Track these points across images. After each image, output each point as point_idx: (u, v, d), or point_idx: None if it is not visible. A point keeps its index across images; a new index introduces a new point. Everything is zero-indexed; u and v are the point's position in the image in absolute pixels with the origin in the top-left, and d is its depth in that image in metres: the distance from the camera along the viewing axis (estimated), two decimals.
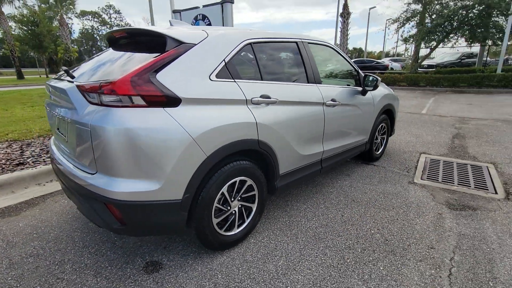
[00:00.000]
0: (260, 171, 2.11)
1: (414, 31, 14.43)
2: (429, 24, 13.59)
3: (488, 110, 7.72)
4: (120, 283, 1.77)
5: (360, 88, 3.17)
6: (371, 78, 3.13)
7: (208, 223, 1.85)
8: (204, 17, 10.10)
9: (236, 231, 2.08)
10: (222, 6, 9.82)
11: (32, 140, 4.43)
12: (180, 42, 1.73)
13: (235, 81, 1.91)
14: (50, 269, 1.89)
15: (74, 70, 1.94)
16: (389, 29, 15.00)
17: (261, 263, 1.94)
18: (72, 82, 1.77)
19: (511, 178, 3.32)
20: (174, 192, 1.61)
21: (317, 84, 2.60)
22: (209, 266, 1.91)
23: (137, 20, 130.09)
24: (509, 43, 13.23)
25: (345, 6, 17.24)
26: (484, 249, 2.07)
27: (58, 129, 2.00)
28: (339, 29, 17.13)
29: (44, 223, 2.44)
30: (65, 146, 1.88)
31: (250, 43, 2.09)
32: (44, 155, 3.71)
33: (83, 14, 60.82)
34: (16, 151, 3.87)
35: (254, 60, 2.12)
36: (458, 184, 3.22)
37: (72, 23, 58.76)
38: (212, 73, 1.80)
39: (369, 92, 3.25)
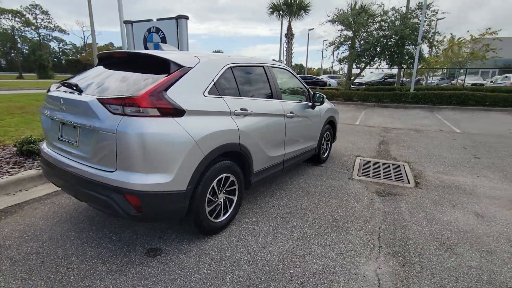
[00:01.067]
0: (239, 169, 2.61)
1: (346, 53, 16.66)
2: (358, 48, 15.89)
3: (405, 122, 9.47)
4: (129, 265, 2.07)
5: (310, 103, 3.93)
6: (318, 95, 3.92)
7: (203, 211, 2.28)
8: (158, 30, 10.26)
9: (222, 218, 2.54)
10: (177, 21, 10.17)
11: None
12: (180, 66, 2.18)
13: (221, 97, 2.42)
14: (56, 262, 2.09)
15: (73, 84, 2.19)
16: (326, 50, 17.06)
17: (244, 241, 2.43)
18: (80, 94, 2.08)
19: (419, 173, 4.41)
20: (181, 184, 2.03)
21: (279, 100, 3.25)
22: (203, 247, 2.33)
23: (68, 23, 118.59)
24: (419, 66, 16.17)
25: (289, 27, 19.11)
26: (400, 220, 2.90)
27: (61, 136, 2.23)
28: (284, 48, 18.89)
29: (31, 227, 2.54)
30: (73, 150, 2.13)
31: (230, 67, 2.63)
32: (6, 165, 3.60)
33: (1, 12, 53.49)
34: None
35: (233, 80, 2.66)
36: (384, 178, 4.17)
37: None
38: (205, 90, 2.28)
39: (316, 106, 4.04)
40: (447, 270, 2.14)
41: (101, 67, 2.59)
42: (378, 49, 15.35)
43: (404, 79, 19.55)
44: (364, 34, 15.11)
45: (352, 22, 15.18)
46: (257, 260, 2.19)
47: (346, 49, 16.65)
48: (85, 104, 1.97)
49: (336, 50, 16.19)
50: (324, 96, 3.97)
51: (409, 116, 10.94)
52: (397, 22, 14.56)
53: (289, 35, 19.00)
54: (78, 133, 2.10)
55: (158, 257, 2.19)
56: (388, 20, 14.78)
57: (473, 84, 18.78)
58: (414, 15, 14.43)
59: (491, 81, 20.93)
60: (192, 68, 2.24)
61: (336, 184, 3.86)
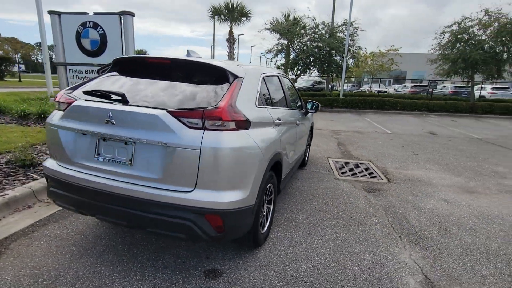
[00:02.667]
0: (276, 177, 2.65)
1: (283, 61, 17.80)
2: (294, 57, 17.19)
3: (344, 124, 10.70)
4: None
5: (303, 110, 4.18)
6: (312, 103, 4.20)
7: (258, 223, 2.24)
8: (96, 26, 9.18)
9: (265, 228, 2.53)
10: (121, 17, 9.29)
11: None
12: (236, 76, 2.11)
13: (266, 107, 2.43)
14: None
15: (119, 94, 1.90)
16: (265, 56, 17.87)
17: (291, 249, 2.48)
18: (126, 105, 1.83)
19: (384, 169, 5.14)
20: (252, 198, 1.97)
21: (291, 108, 3.39)
22: (258, 260, 2.29)
23: None
24: (347, 75, 18.40)
25: (230, 32, 19.30)
26: (398, 212, 3.38)
27: (98, 154, 1.89)
28: (226, 52, 19.07)
29: (42, 269, 2.04)
30: (124, 170, 1.83)
31: (263, 77, 2.64)
32: None
33: None
34: None
35: (267, 90, 2.68)
36: (361, 176, 4.72)
37: None
38: (255, 101, 2.26)
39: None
40: (456, 248, 2.64)
41: (123, 73, 2.27)
42: (311, 58, 16.89)
43: (329, 85, 21.99)
44: (300, 45, 16.40)
45: (288, 32, 16.30)
46: (315, 265, 2.29)
47: (283, 57, 17.76)
48: (154, 118, 1.73)
49: (275, 57, 17.11)
50: (319, 104, 4.28)
51: (345, 119, 12.39)
52: (327, 35, 16.31)
53: (231, 39, 19.20)
54: (132, 150, 1.82)
55: (221, 277, 2.07)
56: (319, 33, 16.42)
57: (379, 91, 22.42)
58: (340, 30, 16.42)
59: (394, 89, 25.43)
60: (243, 78, 2.19)
61: (328, 185, 4.20)
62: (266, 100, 2.55)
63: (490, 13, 14.80)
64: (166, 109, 1.77)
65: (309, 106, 4.21)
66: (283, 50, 17.42)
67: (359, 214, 3.25)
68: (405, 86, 24.22)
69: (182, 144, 1.70)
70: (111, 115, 1.83)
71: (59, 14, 9.39)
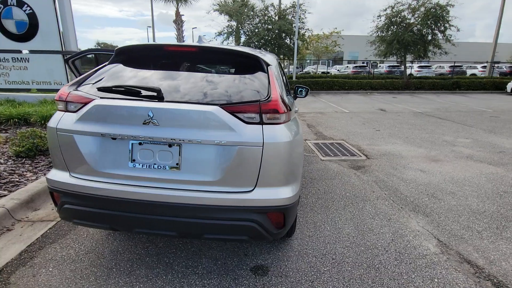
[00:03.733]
0: None
1: (234, 43, 17.40)
2: (246, 40, 16.94)
3: (305, 106, 11.10)
4: None
5: (293, 95, 4.19)
6: (302, 89, 4.23)
7: None
8: (22, 4, 7.81)
9: None
10: None
11: None
12: (268, 64, 2.00)
13: (289, 96, 2.37)
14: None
15: (155, 89, 1.66)
16: (215, 39, 17.21)
17: (319, 233, 2.56)
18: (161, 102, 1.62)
19: (358, 147, 5.54)
20: (300, 189, 1.95)
21: (289, 95, 3.37)
22: (296, 249, 2.31)
23: None
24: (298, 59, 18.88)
25: (177, 13, 17.88)
26: (388, 185, 3.72)
27: (133, 160, 1.64)
28: (175, 34, 17.72)
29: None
30: (171, 175, 1.62)
31: (278, 62, 2.55)
32: None
33: None
34: None
35: (281, 77, 2.60)
36: (342, 155, 5.02)
37: None
38: (284, 89, 2.18)
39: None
40: (448, 211, 3.03)
41: (131, 64, 1.97)
42: (262, 41, 16.87)
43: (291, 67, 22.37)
44: (251, 27, 16.19)
45: (238, 14, 15.92)
46: (347, 245, 2.41)
47: (233, 40, 17.38)
48: (208, 115, 1.55)
49: (226, 40, 16.62)
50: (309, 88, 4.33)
51: (304, 101, 12.84)
52: (276, 17, 16.38)
53: (178, 21, 17.88)
54: (179, 152, 1.61)
55: (270, 272, 2.04)
56: (269, 15, 16.39)
57: (322, 72, 23.64)
58: (289, 12, 16.63)
59: (338, 70, 27.09)
60: (273, 66, 2.09)
61: (319, 167, 4.38)
62: (284, 88, 2.49)
63: None
64: (219, 105, 1.60)
65: (299, 92, 4.23)
66: (233, 33, 17.03)
67: (359, 191, 3.48)
68: (347, 67, 26.02)
69: (243, 142, 1.57)
70: (152, 114, 1.58)
71: None
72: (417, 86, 16.75)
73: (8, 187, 2.97)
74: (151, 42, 1.92)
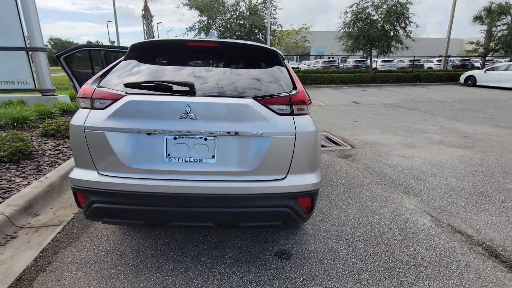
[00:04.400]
0: None
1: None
2: (217, 34, 16.79)
3: None
4: (285, 271, 1.97)
5: None
6: None
7: None
8: None
9: None
10: None
11: None
12: (283, 58, 2.10)
13: None
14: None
15: (189, 83, 1.69)
16: (187, 34, 16.84)
17: (327, 217, 2.74)
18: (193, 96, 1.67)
19: (342, 137, 5.86)
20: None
21: None
22: (311, 234, 2.47)
23: None
24: None
25: (146, 8, 17.09)
26: (377, 170, 4.02)
27: (168, 155, 1.66)
28: (144, 29, 16.98)
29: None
30: (207, 167, 1.67)
31: None
32: None
33: None
34: None
35: None
36: (329, 146, 5.29)
37: None
38: None
39: None
40: (434, 190, 3.38)
41: (147, 60, 1.97)
42: (234, 36, 16.84)
43: None
44: (223, 22, 16.07)
45: (209, 8, 15.71)
46: (356, 226, 2.61)
47: (205, 35, 17.14)
48: (244, 107, 1.61)
49: (197, 35, 16.33)
50: None
51: None
52: (248, 13, 16.43)
53: (148, 16, 17.13)
54: (215, 144, 1.66)
55: (294, 255, 2.17)
56: (240, 10, 16.39)
57: (292, 67, 24.19)
58: (260, 8, 16.74)
59: (308, 65, 27.85)
60: (286, 61, 2.19)
61: None
62: None
63: None
64: (253, 97, 1.67)
65: None
66: (205, 28, 16.78)
67: (352, 178, 3.73)
68: (317, 62, 26.84)
69: (277, 132, 1.67)
70: (189, 109, 1.61)
71: None
72: (383, 79, 17.81)
73: None
74: (166, 38, 1.94)
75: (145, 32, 17.26)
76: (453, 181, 3.65)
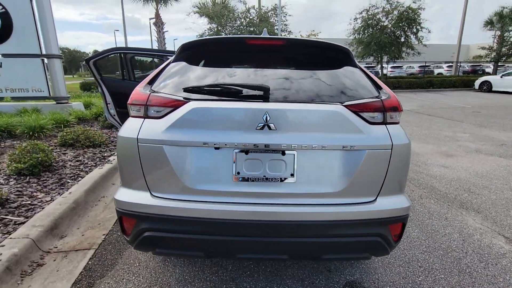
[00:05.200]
0: None
1: None
2: None
3: None
4: None
5: None
6: None
7: None
8: None
9: None
10: None
11: None
12: (353, 56, 1.83)
13: None
14: None
15: (265, 87, 1.43)
16: None
17: None
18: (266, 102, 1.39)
19: None
20: None
21: None
22: (375, 259, 2.14)
23: None
24: None
25: (157, 15, 17.08)
26: (419, 181, 3.70)
27: (237, 173, 1.38)
28: (154, 37, 17.02)
29: None
30: (282, 189, 1.38)
31: None
32: None
33: None
34: None
35: None
36: None
37: None
38: None
39: None
40: (494, 206, 3.04)
41: (200, 61, 1.71)
42: None
43: None
44: (234, 30, 15.99)
45: (219, 16, 15.66)
46: (425, 250, 2.29)
47: None
48: (333, 115, 1.34)
49: None
50: None
51: None
52: (258, 20, 16.34)
53: (159, 23, 17.11)
54: (293, 160, 1.37)
55: (365, 286, 1.85)
56: (250, 17, 16.32)
57: None
58: (270, 15, 16.67)
59: None
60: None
61: None
62: None
63: (390, 2, 17.34)
64: (342, 103, 1.39)
65: None
66: (215, 35, 16.72)
67: None
68: None
69: (372, 145, 1.38)
70: (268, 117, 1.33)
71: None
72: (395, 85, 17.50)
73: (21, 212, 2.50)
74: (221, 36, 1.68)
75: (157, 39, 17.20)
76: (510, 194, 3.31)
